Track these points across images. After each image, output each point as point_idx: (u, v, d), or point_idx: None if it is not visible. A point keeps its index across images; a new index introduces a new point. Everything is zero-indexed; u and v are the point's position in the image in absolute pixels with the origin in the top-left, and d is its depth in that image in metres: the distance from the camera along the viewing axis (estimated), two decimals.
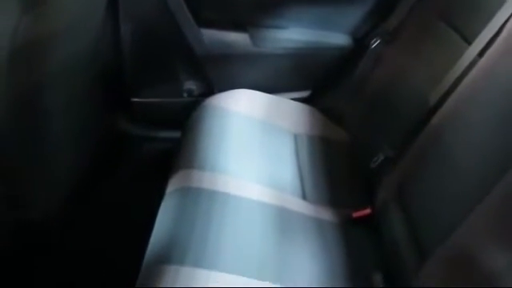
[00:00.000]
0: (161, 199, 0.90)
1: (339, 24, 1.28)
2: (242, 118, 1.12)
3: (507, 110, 0.67)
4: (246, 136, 1.07)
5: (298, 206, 0.93)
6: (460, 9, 0.94)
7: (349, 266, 0.82)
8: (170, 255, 0.74)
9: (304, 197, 0.97)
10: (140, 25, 1.19)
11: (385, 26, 1.20)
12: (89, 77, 1.09)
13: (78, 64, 1.02)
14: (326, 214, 0.93)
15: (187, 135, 1.08)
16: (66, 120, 1.00)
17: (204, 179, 0.90)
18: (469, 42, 0.87)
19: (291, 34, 1.28)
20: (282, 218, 0.87)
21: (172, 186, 0.90)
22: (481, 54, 0.82)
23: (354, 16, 1.26)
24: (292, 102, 1.26)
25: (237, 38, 1.24)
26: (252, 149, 1.04)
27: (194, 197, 0.85)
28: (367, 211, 0.92)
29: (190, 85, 1.30)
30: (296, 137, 1.14)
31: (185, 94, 1.30)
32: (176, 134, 1.17)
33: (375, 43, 1.20)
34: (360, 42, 1.27)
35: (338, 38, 1.29)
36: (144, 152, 1.35)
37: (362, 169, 1.03)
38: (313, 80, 1.34)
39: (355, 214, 0.93)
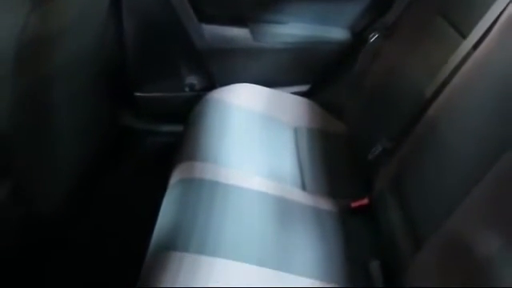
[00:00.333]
0: (164, 191, 0.93)
1: (338, 19, 1.30)
2: (243, 111, 1.14)
3: (500, 99, 0.70)
4: (246, 129, 1.10)
5: (298, 196, 0.95)
6: (456, 4, 0.96)
7: (346, 253, 0.85)
8: (175, 242, 0.76)
9: (303, 187, 0.99)
10: (143, 21, 1.21)
11: (383, 21, 1.22)
12: (93, 72, 1.11)
13: (83, 59, 1.04)
14: (325, 204, 0.95)
15: (189, 129, 1.10)
16: (72, 114, 1.03)
17: (206, 171, 0.92)
18: (464, 36, 0.89)
19: (291, 29, 1.30)
20: (282, 207, 0.90)
21: (175, 178, 0.93)
22: (475, 47, 0.84)
23: (352, 11, 1.28)
24: (292, 95, 1.28)
25: (237, 33, 1.26)
26: (253, 141, 1.07)
27: (196, 187, 0.88)
28: (365, 201, 0.95)
29: (192, 79, 1.32)
30: (296, 130, 1.16)
31: (187, 89, 1.33)
32: (178, 128, 1.20)
33: (373, 37, 1.22)
34: (359, 37, 1.29)
35: (337, 33, 1.31)
36: (147, 145, 1.37)
37: (360, 160, 1.05)
38: (312, 74, 1.36)
39: (353, 204, 0.95)
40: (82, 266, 1.10)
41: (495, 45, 0.77)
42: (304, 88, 1.38)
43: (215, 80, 1.31)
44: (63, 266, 1.09)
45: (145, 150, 1.37)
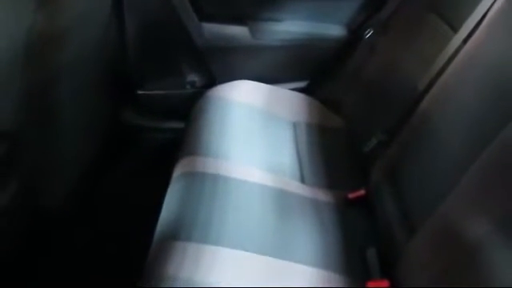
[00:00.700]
0: (166, 185, 0.96)
1: (335, 16, 1.32)
2: (243, 107, 1.17)
3: (488, 90, 0.73)
4: (246, 124, 1.12)
5: (297, 188, 0.98)
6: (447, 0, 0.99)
7: (344, 242, 0.88)
8: (178, 233, 0.79)
9: (302, 180, 1.02)
10: (144, 20, 1.24)
11: (378, 18, 1.25)
12: (96, 70, 1.14)
13: (86, 58, 1.07)
14: (323, 196, 0.98)
15: (191, 124, 1.13)
16: (76, 112, 1.06)
17: (208, 164, 0.95)
18: (455, 31, 0.92)
19: (289, 27, 1.32)
20: (281, 198, 0.93)
21: (178, 172, 0.96)
22: (465, 40, 0.88)
23: (348, 8, 1.31)
24: (290, 91, 1.31)
25: (237, 31, 1.29)
26: (253, 136, 1.10)
27: (198, 180, 0.91)
28: (361, 192, 0.98)
29: (193, 77, 1.35)
30: (295, 125, 1.19)
31: (188, 86, 1.35)
32: (180, 125, 1.22)
33: (369, 34, 1.25)
34: (355, 33, 1.32)
35: (334, 30, 1.34)
36: (149, 142, 1.40)
37: (356, 153, 1.08)
38: (310, 70, 1.39)
39: (350, 195, 0.98)
40: (86, 257, 1.13)
41: (484, 37, 0.80)
42: (302, 84, 1.40)
43: (216, 77, 1.33)
44: (68, 258, 1.12)
45: (147, 146, 1.40)
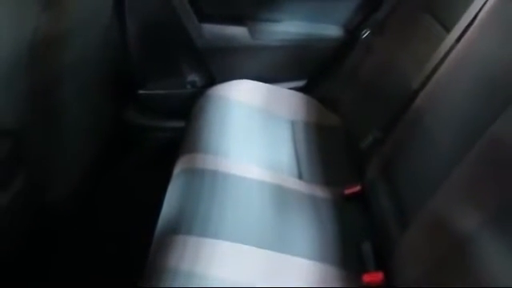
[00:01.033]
0: (167, 183, 0.98)
1: (332, 17, 1.35)
2: (242, 106, 1.19)
3: (478, 88, 0.75)
4: (246, 123, 1.15)
5: (295, 184, 1.01)
6: (441, 0, 1.01)
7: (340, 236, 0.90)
8: (179, 227, 0.82)
9: (300, 177, 1.05)
10: (145, 21, 1.26)
11: (374, 18, 1.28)
12: (98, 70, 1.17)
13: (89, 58, 1.10)
14: (320, 192, 1.01)
15: (191, 123, 1.15)
16: (79, 111, 1.08)
17: (207, 161, 0.98)
18: (448, 30, 0.95)
19: (287, 27, 1.35)
20: (280, 194, 0.95)
21: (178, 168, 0.99)
22: (458, 40, 0.90)
23: (345, 9, 1.33)
24: (289, 90, 1.34)
25: (236, 32, 1.31)
26: (252, 134, 1.12)
27: (198, 176, 0.94)
28: (357, 188, 1.00)
29: (193, 77, 1.38)
30: (293, 123, 1.22)
31: (188, 86, 1.38)
32: (180, 124, 1.25)
33: (365, 34, 1.27)
34: (352, 34, 1.35)
35: (332, 30, 1.36)
36: (151, 141, 1.43)
37: (353, 150, 1.11)
38: (308, 70, 1.42)
39: (347, 191, 1.01)
40: (86, 257, 1.15)
41: (476, 37, 0.83)
42: (300, 83, 1.43)
43: (215, 77, 1.35)
44: (68, 257, 1.14)
45: (149, 144, 1.43)
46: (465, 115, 0.77)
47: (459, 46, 0.87)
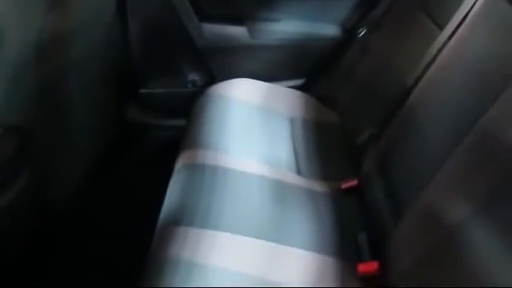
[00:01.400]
0: (168, 180, 1.00)
1: (330, 16, 1.38)
2: (242, 104, 1.22)
3: (467, 84, 0.78)
4: (245, 120, 1.17)
5: (293, 179, 1.03)
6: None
7: (337, 228, 0.92)
8: (180, 219, 0.85)
9: (298, 172, 1.07)
10: (146, 22, 1.29)
11: (371, 17, 1.30)
12: (101, 69, 1.20)
13: (92, 58, 1.13)
14: (318, 186, 1.03)
15: (192, 120, 1.18)
16: (83, 109, 1.11)
17: (208, 157, 1.01)
18: (441, 28, 0.97)
19: (286, 27, 1.38)
20: (278, 188, 0.98)
21: (180, 164, 1.01)
22: (450, 37, 0.93)
23: (343, 8, 1.36)
24: (287, 89, 1.36)
25: (235, 31, 1.34)
26: (251, 131, 1.15)
27: (199, 171, 0.96)
28: (354, 182, 1.03)
29: (194, 76, 1.41)
30: (291, 121, 1.24)
31: (189, 85, 1.41)
32: (181, 122, 1.27)
33: (362, 33, 1.30)
34: (349, 32, 1.37)
35: (329, 29, 1.39)
36: (152, 139, 1.45)
37: (350, 146, 1.13)
38: (306, 68, 1.44)
39: (344, 185, 1.03)
40: (90, 251, 1.18)
41: (467, 34, 0.86)
42: (299, 82, 1.45)
43: (215, 76, 1.38)
44: (72, 250, 1.17)
45: (150, 143, 1.45)
46: (455, 110, 0.79)
47: (451, 43, 0.90)
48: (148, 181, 1.19)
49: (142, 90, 1.39)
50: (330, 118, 1.30)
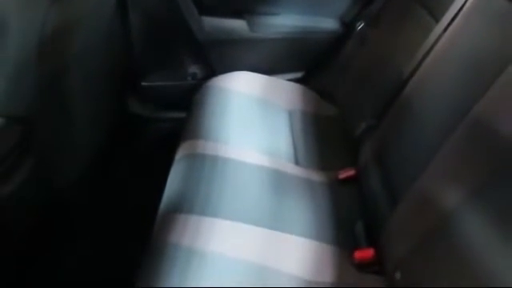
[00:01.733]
0: (169, 169, 1.02)
1: (328, 9, 1.40)
2: (242, 97, 1.24)
3: (461, 75, 0.80)
4: (245, 112, 1.19)
5: (291, 169, 1.05)
6: None
7: (334, 216, 0.94)
8: (181, 206, 0.87)
9: (297, 162, 1.09)
10: (147, 15, 1.31)
11: (369, 10, 1.32)
12: (103, 62, 1.21)
13: (94, 51, 1.14)
14: (316, 176, 1.05)
15: (193, 112, 1.20)
16: (85, 100, 1.13)
17: (208, 147, 1.02)
18: (437, 20, 0.99)
19: (285, 20, 1.40)
20: (277, 178, 1.00)
21: (180, 154, 1.03)
22: (446, 29, 0.94)
23: (341, 2, 1.38)
24: (286, 82, 1.38)
25: (235, 25, 1.36)
26: (251, 123, 1.16)
27: (199, 161, 0.98)
28: (352, 172, 1.04)
29: (194, 69, 1.42)
30: (290, 113, 1.26)
31: (189, 78, 1.43)
32: (181, 115, 1.29)
33: (360, 26, 1.32)
34: (347, 26, 1.39)
35: (328, 23, 1.41)
36: (152, 131, 1.47)
37: (348, 137, 1.15)
38: (305, 62, 1.46)
39: (341, 175, 1.05)
40: (97, 230, 1.20)
41: (462, 26, 0.87)
42: (298, 75, 1.47)
43: (215, 69, 1.40)
44: (80, 231, 1.19)
45: (151, 135, 1.47)
46: (450, 100, 0.81)
47: (446, 34, 0.91)
48: (149, 171, 1.21)
49: (143, 83, 1.41)
50: (329, 110, 1.31)
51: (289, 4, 1.38)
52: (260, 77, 1.33)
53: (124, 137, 1.41)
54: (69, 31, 0.97)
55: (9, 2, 0.80)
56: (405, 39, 1.10)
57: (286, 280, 0.79)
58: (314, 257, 0.85)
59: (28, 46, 0.86)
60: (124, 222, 1.22)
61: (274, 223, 0.88)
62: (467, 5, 0.89)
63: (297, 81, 1.43)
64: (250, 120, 1.18)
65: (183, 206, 0.87)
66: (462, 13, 0.89)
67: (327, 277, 0.82)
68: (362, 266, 0.84)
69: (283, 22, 1.40)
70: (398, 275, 0.76)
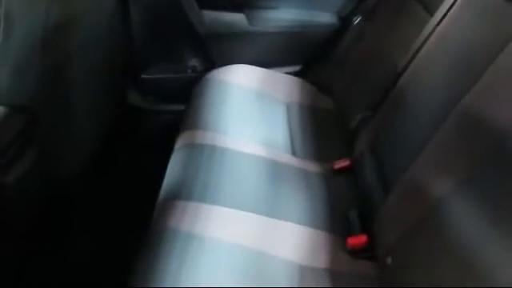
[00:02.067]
0: (168, 159, 1.05)
1: (326, 4, 1.42)
2: (240, 89, 1.26)
3: (451, 66, 0.82)
4: (243, 104, 1.22)
5: (288, 159, 1.08)
6: None
7: (329, 204, 0.97)
8: (179, 193, 0.89)
9: (293, 153, 1.12)
10: (147, 8, 1.33)
11: (366, 5, 1.34)
12: (104, 54, 1.24)
13: (95, 43, 1.16)
14: (312, 166, 1.08)
15: (192, 104, 1.22)
16: (87, 91, 1.15)
17: (206, 137, 1.05)
18: (431, 14, 1.01)
19: (283, 14, 1.42)
20: (274, 168, 1.02)
21: (179, 144, 1.06)
22: (439, 23, 0.97)
23: None
24: (284, 75, 1.41)
25: (234, 19, 1.38)
26: (249, 115, 1.19)
27: (198, 150, 1.01)
28: (346, 163, 1.07)
29: (194, 62, 1.45)
30: (288, 106, 1.28)
31: (189, 70, 1.45)
32: (181, 107, 1.30)
33: (357, 20, 1.34)
34: (344, 20, 1.41)
35: (325, 17, 1.43)
36: (152, 123, 1.50)
37: (343, 129, 1.17)
38: (303, 55, 1.49)
39: (336, 166, 1.08)
40: (98, 220, 1.22)
41: (454, 19, 0.90)
42: (296, 68, 1.50)
43: (215, 62, 1.42)
44: (82, 221, 1.21)
45: (151, 126, 1.49)
46: (441, 91, 0.84)
47: (439, 28, 0.93)
48: (149, 162, 1.21)
49: (143, 76, 1.43)
50: (326, 103, 1.34)
51: None
52: (258, 70, 1.36)
53: (124, 129, 1.43)
54: (71, 25, 1.00)
55: None
56: (400, 33, 1.12)
57: (282, 264, 0.81)
58: (308, 243, 0.87)
59: (31, 38, 0.89)
60: (124, 213, 1.24)
61: (271, 211, 0.91)
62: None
63: (295, 74, 1.45)
64: (249, 112, 1.20)
65: (182, 192, 0.89)
66: (454, 7, 0.91)
67: (321, 262, 0.84)
68: (355, 252, 0.87)
69: (282, 16, 1.42)
70: (389, 260, 0.79)
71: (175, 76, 1.45)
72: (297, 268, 0.82)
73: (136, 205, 1.11)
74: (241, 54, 1.42)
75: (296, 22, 1.42)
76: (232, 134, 1.08)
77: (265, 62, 1.41)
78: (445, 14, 0.95)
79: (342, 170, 1.07)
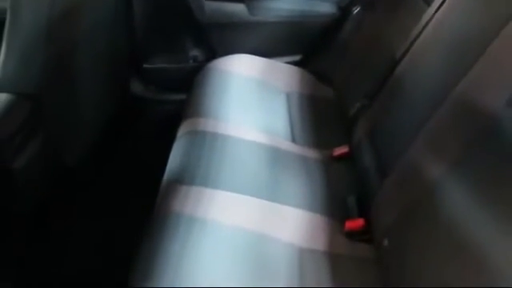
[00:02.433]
0: (171, 147, 1.07)
1: None
2: (241, 78, 1.28)
3: (449, 54, 0.84)
4: (244, 93, 1.24)
5: (288, 146, 1.10)
6: None
7: (328, 190, 0.99)
8: (182, 178, 0.92)
9: (293, 140, 1.14)
10: None
11: None
12: (107, 44, 1.26)
13: (99, 34, 1.19)
14: (312, 153, 1.10)
15: (194, 93, 1.24)
16: (91, 80, 1.18)
17: (208, 125, 1.07)
18: (428, 4, 1.03)
19: (283, 4, 1.44)
20: (274, 154, 1.05)
21: (182, 131, 1.08)
22: (436, 11, 0.98)
23: None
24: (285, 64, 1.42)
25: (235, 8, 1.40)
26: (250, 103, 1.21)
27: (200, 137, 1.03)
28: (345, 149, 1.09)
29: (195, 52, 1.47)
30: (288, 95, 1.30)
31: (190, 60, 1.47)
32: (183, 97, 1.33)
33: (356, 10, 1.36)
34: (344, 10, 1.43)
35: (325, 7, 1.46)
36: (154, 112, 1.52)
37: (342, 116, 1.20)
38: (303, 45, 1.50)
39: (336, 152, 1.10)
40: (104, 205, 1.25)
41: (451, 7, 0.92)
42: (296, 58, 1.51)
43: (216, 52, 1.44)
44: (88, 206, 1.24)
45: (153, 115, 1.52)
46: (437, 78, 0.86)
47: (436, 16, 0.95)
48: (151, 150, 1.23)
49: (145, 65, 1.45)
50: (325, 92, 1.36)
51: None
52: (259, 59, 1.38)
53: (127, 118, 1.46)
54: (75, 14, 1.02)
55: None
56: (398, 23, 1.14)
57: (282, 247, 0.84)
58: (308, 226, 0.90)
59: (37, 27, 0.91)
60: (127, 199, 1.26)
61: (271, 195, 0.93)
62: None
63: (295, 63, 1.47)
64: (249, 100, 1.22)
65: (185, 177, 0.92)
66: None
67: (320, 245, 0.87)
68: (352, 235, 0.89)
69: (281, 6, 1.44)
70: (385, 242, 0.81)
71: (177, 66, 1.47)
72: (296, 250, 0.84)
73: (138, 191, 1.14)
74: (241, 44, 1.44)
75: (296, 12, 1.44)
76: (233, 122, 1.11)
77: (265, 51, 1.42)
78: (442, 3, 0.97)
79: (341, 157, 1.09)
